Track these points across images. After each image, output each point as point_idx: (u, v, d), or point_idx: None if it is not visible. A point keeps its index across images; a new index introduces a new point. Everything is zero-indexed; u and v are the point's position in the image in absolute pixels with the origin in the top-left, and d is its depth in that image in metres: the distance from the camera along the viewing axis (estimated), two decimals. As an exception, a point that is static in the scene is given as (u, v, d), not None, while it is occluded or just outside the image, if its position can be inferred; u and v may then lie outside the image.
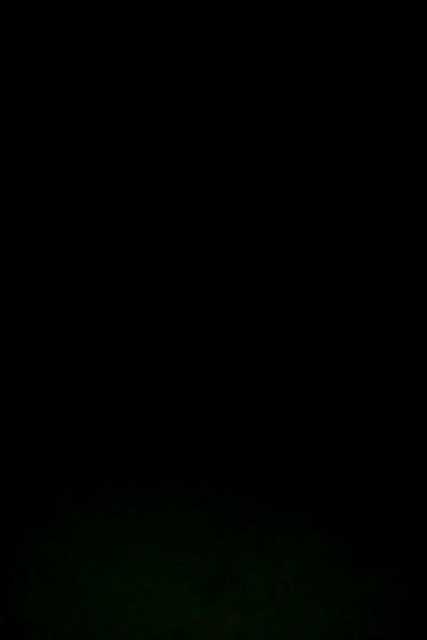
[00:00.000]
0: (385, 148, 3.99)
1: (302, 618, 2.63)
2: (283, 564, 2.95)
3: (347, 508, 3.27)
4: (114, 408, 3.85)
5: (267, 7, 3.93)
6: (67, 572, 2.89)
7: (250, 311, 3.97)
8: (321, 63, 3.99)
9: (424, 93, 3.90)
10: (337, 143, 4.02)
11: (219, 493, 3.40)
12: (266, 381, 3.88)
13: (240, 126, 4.07)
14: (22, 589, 2.74)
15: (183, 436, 3.75)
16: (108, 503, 3.32)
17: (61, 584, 2.81)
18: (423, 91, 3.90)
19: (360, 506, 3.27)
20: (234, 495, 3.38)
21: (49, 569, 2.89)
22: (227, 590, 2.82)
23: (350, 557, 2.96)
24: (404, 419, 3.68)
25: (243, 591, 2.79)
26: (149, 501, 3.33)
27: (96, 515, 3.24)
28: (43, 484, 3.46)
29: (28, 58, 3.86)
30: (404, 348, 3.80)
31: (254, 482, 3.48)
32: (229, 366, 3.91)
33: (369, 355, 3.81)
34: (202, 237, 4.07)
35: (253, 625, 2.62)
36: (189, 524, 3.20)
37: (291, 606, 2.71)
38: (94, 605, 2.70)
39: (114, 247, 3.90)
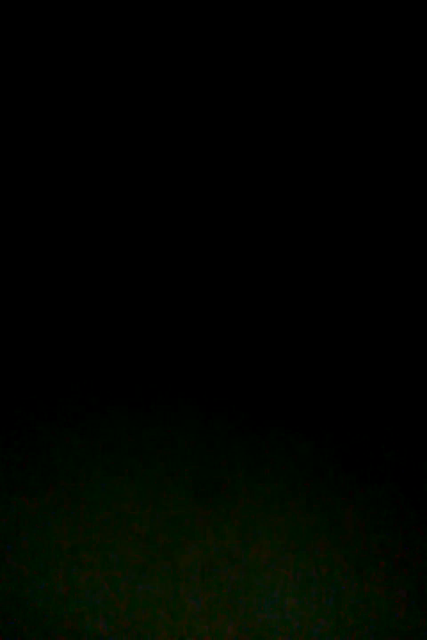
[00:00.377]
0: (385, 148, 4.00)
1: (297, 531, 2.63)
2: (279, 477, 2.96)
3: (346, 428, 3.25)
4: (106, 328, 3.78)
5: (267, 7, 3.94)
6: (68, 476, 2.93)
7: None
8: (321, 63, 4.00)
9: (424, 93, 3.90)
10: (337, 143, 4.03)
11: (216, 411, 3.38)
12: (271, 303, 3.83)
13: (240, 126, 4.07)
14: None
15: (180, 354, 3.71)
16: (106, 421, 3.30)
17: (60, 482, 2.86)
18: (424, 91, 3.90)
19: (361, 427, 3.24)
20: (232, 412, 3.37)
21: (53, 473, 2.93)
22: (222, 497, 2.85)
23: (348, 478, 2.95)
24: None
25: (237, 500, 2.82)
26: (145, 422, 3.32)
27: (95, 431, 3.23)
28: (40, 399, 3.42)
29: (29, 57, 3.88)
30: (405, 347, 3.81)
31: (252, 400, 3.47)
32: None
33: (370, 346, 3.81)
34: (202, 237, 4.08)
35: (248, 532, 2.64)
36: (185, 440, 3.20)
37: (286, 518, 2.73)
38: (89, 509, 2.73)
39: (114, 246, 3.91)
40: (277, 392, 3.48)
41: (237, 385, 3.49)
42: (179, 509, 2.75)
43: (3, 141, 4.04)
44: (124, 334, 3.75)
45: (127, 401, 3.38)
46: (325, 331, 3.80)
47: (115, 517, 2.71)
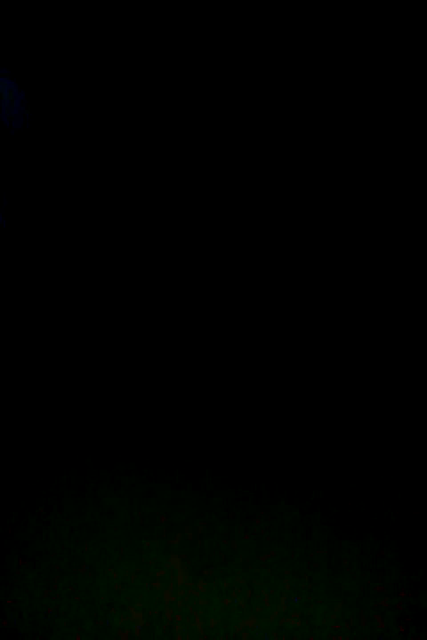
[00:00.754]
0: (385, 149, 4.02)
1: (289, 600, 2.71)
2: (272, 548, 3.00)
3: (341, 500, 3.32)
4: (110, 402, 3.89)
5: (267, 7, 3.91)
6: (66, 553, 2.95)
7: (248, 308, 4.01)
8: (321, 63, 3.98)
9: (424, 93, 3.92)
10: (337, 143, 4.04)
11: (214, 484, 3.45)
12: (260, 374, 3.93)
13: (240, 126, 4.06)
14: (24, 571, 2.81)
15: (181, 429, 3.80)
16: (106, 491, 3.38)
17: (61, 563, 2.88)
18: (424, 91, 3.92)
19: (358, 501, 3.33)
20: (228, 485, 3.43)
21: (50, 552, 2.94)
22: (219, 570, 2.88)
23: (349, 550, 3.03)
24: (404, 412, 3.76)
25: (234, 572, 2.86)
26: (146, 492, 3.38)
27: (96, 501, 3.29)
28: (43, 472, 3.50)
29: (29, 56, 3.81)
30: (404, 347, 3.87)
31: (248, 472, 3.53)
32: (224, 360, 3.95)
33: (369, 353, 3.88)
34: (202, 236, 4.09)
35: (244, 604, 2.68)
36: (183, 511, 3.25)
37: (280, 587, 2.76)
38: (92, 583, 2.76)
39: (114, 246, 3.91)
40: (265, 465, 3.56)
41: (231, 460, 3.57)
42: (177, 582, 2.79)
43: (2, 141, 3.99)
44: (121, 411, 3.81)
45: (125, 477, 3.44)
46: (310, 402, 3.87)
47: (114, 590, 2.76)
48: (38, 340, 3.87)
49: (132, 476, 3.45)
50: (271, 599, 2.70)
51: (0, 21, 3.69)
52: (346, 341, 3.93)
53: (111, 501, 3.26)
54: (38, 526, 3.08)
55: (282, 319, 3.98)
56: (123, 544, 3.01)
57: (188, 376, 3.96)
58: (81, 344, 3.86)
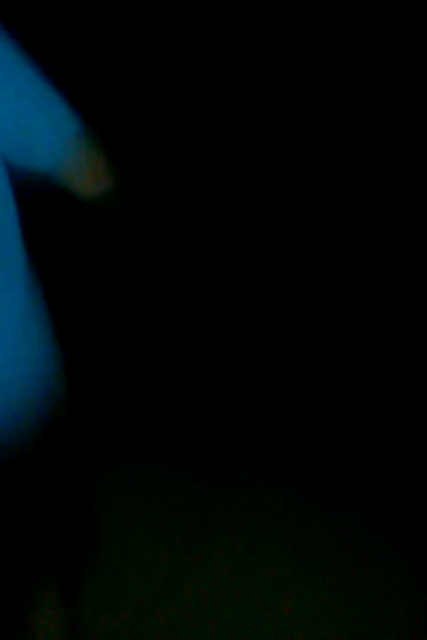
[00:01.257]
0: (385, 149, 4.00)
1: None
2: (255, 522, 2.91)
3: (326, 472, 3.21)
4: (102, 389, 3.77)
5: (267, 7, 3.94)
6: None
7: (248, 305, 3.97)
8: (321, 63, 3.99)
9: (424, 93, 3.90)
10: (337, 143, 4.03)
11: (192, 455, 3.32)
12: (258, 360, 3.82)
13: (240, 126, 4.07)
14: None
15: (153, 397, 3.69)
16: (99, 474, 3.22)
17: None
18: (424, 91, 3.90)
19: (358, 490, 3.22)
20: (209, 458, 3.31)
21: None
22: (208, 541, 2.80)
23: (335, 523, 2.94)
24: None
25: (222, 543, 2.78)
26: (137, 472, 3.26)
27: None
28: None
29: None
30: (404, 346, 3.80)
31: (228, 443, 3.43)
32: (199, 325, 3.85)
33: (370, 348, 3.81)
34: (201, 235, 4.08)
35: (226, 581, 2.60)
36: (159, 487, 3.14)
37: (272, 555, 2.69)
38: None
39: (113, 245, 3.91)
40: (247, 435, 3.47)
41: (209, 430, 3.48)
42: (170, 556, 2.75)
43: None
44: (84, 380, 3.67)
45: (117, 452, 3.31)
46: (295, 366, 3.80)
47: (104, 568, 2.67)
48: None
49: (103, 451, 3.27)
50: (254, 575, 2.62)
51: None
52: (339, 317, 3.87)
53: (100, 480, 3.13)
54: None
55: (274, 300, 3.93)
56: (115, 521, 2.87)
57: (161, 343, 3.86)
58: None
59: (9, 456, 1.88)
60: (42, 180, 1.88)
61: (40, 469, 1.97)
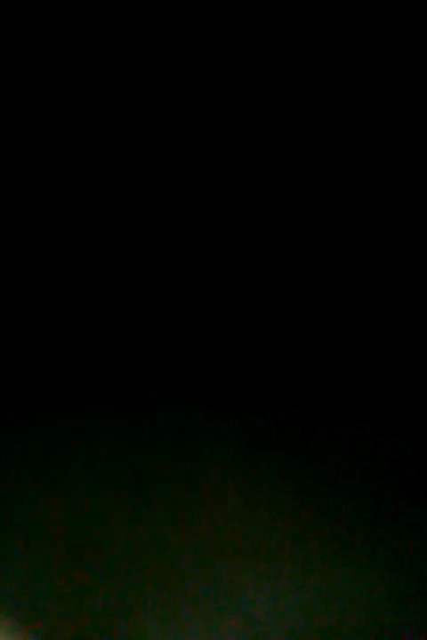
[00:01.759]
0: (385, 149, 4.01)
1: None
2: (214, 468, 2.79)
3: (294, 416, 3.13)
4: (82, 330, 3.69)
5: (267, 7, 3.95)
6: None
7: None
8: (321, 64, 4.01)
9: (424, 94, 3.91)
10: (337, 143, 4.04)
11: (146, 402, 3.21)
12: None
13: (240, 126, 4.09)
14: None
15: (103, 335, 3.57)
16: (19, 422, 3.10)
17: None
18: (424, 91, 3.91)
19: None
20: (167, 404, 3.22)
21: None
22: (148, 495, 2.72)
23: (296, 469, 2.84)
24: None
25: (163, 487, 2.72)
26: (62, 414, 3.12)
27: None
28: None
29: (29, 56, 3.88)
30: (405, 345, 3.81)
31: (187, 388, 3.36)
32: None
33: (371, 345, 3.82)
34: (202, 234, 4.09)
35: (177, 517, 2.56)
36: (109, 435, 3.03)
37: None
38: (12, 508, 2.59)
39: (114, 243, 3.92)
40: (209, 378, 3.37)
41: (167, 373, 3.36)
42: (103, 502, 2.68)
43: (2, 140, 4.04)
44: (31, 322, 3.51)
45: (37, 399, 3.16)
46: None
47: (39, 518, 2.66)
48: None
49: (45, 398, 3.10)
50: (207, 519, 2.53)
51: None
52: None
53: (24, 432, 2.99)
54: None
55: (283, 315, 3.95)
56: (41, 476, 2.78)
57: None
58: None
59: None
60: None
61: None
